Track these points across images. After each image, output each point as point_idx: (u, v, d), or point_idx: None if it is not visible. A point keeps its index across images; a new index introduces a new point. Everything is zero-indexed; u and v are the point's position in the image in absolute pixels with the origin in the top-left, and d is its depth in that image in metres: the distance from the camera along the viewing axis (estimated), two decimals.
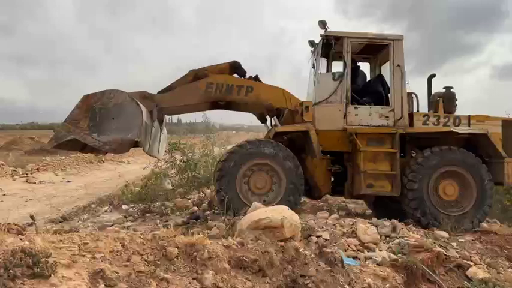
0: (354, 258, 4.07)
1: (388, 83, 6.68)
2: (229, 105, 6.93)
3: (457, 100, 6.94)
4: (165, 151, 8.98)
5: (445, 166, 6.10)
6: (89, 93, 5.88)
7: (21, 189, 14.48)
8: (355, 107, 6.40)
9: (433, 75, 7.28)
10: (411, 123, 6.47)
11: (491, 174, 6.15)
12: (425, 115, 6.58)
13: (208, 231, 4.87)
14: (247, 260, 2.97)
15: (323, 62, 7.06)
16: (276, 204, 5.46)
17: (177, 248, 2.78)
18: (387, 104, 6.52)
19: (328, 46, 6.40)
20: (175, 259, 2.69)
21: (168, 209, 8.18)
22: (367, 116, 6.39)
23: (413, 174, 6.00)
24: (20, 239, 2.28)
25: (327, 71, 7.12)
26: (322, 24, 6.33)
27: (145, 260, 2.55)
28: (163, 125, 7.04)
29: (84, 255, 2.27)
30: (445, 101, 6.73)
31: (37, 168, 16.29)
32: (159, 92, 6.65)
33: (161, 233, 2.90)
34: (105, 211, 8.93)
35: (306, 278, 3.10)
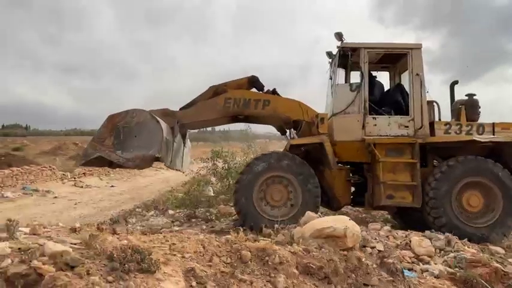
0: (410, 270, 4.10)
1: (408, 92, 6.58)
2: (248, 119, 7.15)
3: (480, 107, 6.73)
4: (192, 161, 9.26)
5: (470, 176, 5.93)
6: (113, 113, 6.30)
7: (70, 193, 15.27)
8: (373, 117, 6.36)
9: (456, 82, 7.11)
10: (432, 133, 6.33)
11: None
12: (446, 123, 6.44)
13: (271, 238, 5.04)
14: (314, 266, 3.10)
15: (341, 73, 7.05)
16: (293, 215, 5.72)
17: (250, 251, 2.97)
18: (407, 113, 6.42)
19: (345, 57, 6.41)
20: (249, 262, 2.87)
21: (213, 215, 8.41)
22: (386, 126, 6.33)
23: (436, 183, 5.87)
24: (117, 238, 2.53)
25: (345, 81, 7.07)
26: (339, 36, 6.35)
27: (224, 262, 2.75)
28: (186, 139, 7.33)
29: (175, 254, 2.49)
30: (468, 108, 6.56)
31: (83, 173, 17.17)
32: (181, 108, 6.95)
33: (233, 237, 3.09)
34: (152, 215, 9.30)
35: (369, 287, 3.20)
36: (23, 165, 17.00)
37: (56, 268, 1.96)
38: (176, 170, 7.48)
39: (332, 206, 6.72)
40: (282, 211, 6.01)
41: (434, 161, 6.48)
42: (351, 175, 6.66)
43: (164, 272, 2.18)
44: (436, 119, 6.71)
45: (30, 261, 2.03)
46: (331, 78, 6.95)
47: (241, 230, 3.67)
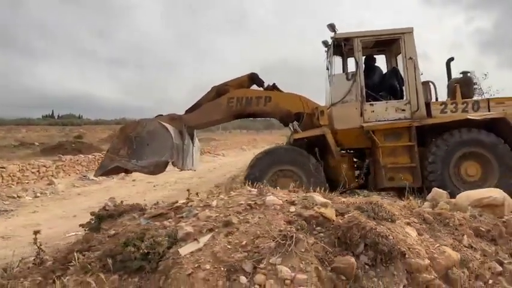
0: None
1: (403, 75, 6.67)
2: (252, 115, 7.36)
3: (475, 84, 6.90)
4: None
5: (465, 147, 6.08)
6: (124, 124, 6.81)
7: (145, 176, 16.15)
8: (371, 104, 6.51)
9: (452, 59, 7.10)
10: (429, 113, 6.45)
11: None
12: (442, 103, 6.54)
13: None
14: (483, 229, 3.43)
15: (337, 63, 7.17)
16: None
17: (429, 215, 3.34)
18: (402, 97, 6.55)
19: (340, 47, 6.57)
20: (433, 223, 3.24)
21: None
22: (384, 111, 6.46)
23: (433, 157, 6.07)
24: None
25: (343, 69, 7.21)
26: (331, 27, 6.48)
27: (414, 221, 3.15)
28: (194, 138, 7.66)
29: None
30: (462, 86, 6.62)
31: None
32: (186, 111, 7.29)
33: (408, 203, 3.47)
34: None
35: None
36: (90, 151, 18.18)
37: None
38: (189, 169, 7.79)
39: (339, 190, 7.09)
40: None
41: (434, 139, 6.60)
42: (354, 160, 6.94)
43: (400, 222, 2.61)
44: (434, 99, 6.81)
45: (312, 207, 2.54)
46: (327, 69, 7.09)
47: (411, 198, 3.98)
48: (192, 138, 7.50)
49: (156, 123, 6.55)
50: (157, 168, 6.69)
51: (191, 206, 3.11)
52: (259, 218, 2.65)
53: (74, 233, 8.70)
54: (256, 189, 3.20)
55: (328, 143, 6.43)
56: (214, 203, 3.00)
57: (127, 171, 7.15)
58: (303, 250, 2.24)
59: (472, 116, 6.19)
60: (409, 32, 6.56)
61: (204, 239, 2.52)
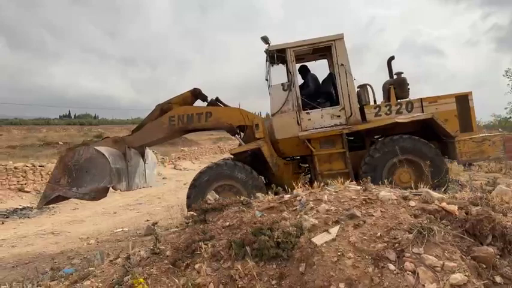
0: None
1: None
2: (196, 130, 7.44)
3: (408, 85, 6.80)
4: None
5: (397, 155, 6.05)
6: (62, 154, 6.89)
7: (173, 174, 16.51)
8: (307, 113, 6.58)
9: (392, 58, 7.05)
10: (364, 117, 6.50)
11: (450, 152, 6.22)
12: (376, 107, 6.56)
13: None
14: None
15: (274, 73, 7.13)
16: None
17: None
18: (338, 103, 6.58)
19: (274, 59, 6.63)
20: None
21: None
22: (320, 119, 6.53)
23: (366, 167, 6.15)
24: None
25: (288, 78, 7.16)
26: (264, 40, 6.57)
27: None
28: (146, 156, 7.77)
29: None
30: (397, 87, 6.66)
31: (178, 157, 18.46)
32: (133, 131, 7.46)
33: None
34: None
35: None
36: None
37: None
38: (140, 188, 7.89)
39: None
40: None
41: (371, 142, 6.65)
42: (302, 165, 7.07)
43: None
44: (372, 101, 6.85)
45: (433, 202, 2.71)
46: (267, 80, 7.09)
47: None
48: (143, 156, 7.64)
49: (92, 150, 6.66)
50: (98, 194, 6.85)
51: (300, 200, 3.28)
52: (382, 211, 2.81)
53: (120, 229, 8.99)
54: (360, 186, 3.37)
55: (264, 156, 6.55)
56: (325, 198, 3.17)
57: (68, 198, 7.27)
58: (442, 241, 2.41)
59: (401, 119, 6.22)
60: (340, 38, 6.57)
61: (334, 230, 2.69)
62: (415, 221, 2.60)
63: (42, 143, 24.79)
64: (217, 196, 3.87)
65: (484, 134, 6.36)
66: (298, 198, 3.33)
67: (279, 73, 7.14)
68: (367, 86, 6.95)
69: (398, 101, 6.56)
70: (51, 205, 12.81)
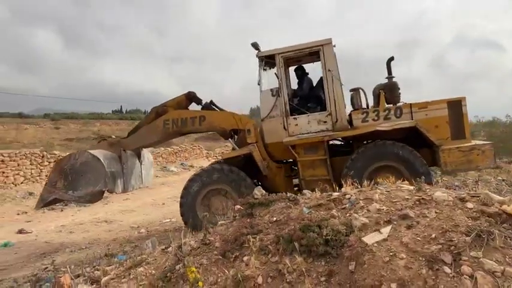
0: None
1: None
2: (190, 133, 7.55)
3: (399, 89, 6.55)
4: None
5: (378, 161, 5.97)
6: (59, 158, 7.12)
7: None
8: (294, 118, 6.57)
9: (392, 59, 6.73)
10: (351, 123, 6.40)
11: (437, 160, 6.01)
12: (364, 112, 6.40)
13: None
14: None
15: (266, 78, 7.03)
16: None
17: None
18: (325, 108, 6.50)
19: (266, 64, 6.73)
20: None
21: None
22: (307, 124, 6.50)
23: (347, 172, 5.99)
24: None
25: (286, 79, 7.31)
26: (255, 46, 6.63)
27: None
28: (142, 157, 7.83)
29: None
30: (387, 92, 6.47)
31: (222, 152, 18.83)
32: (129, 133, 7.56)
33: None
34: None
35: None
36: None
37: None
38: (137, 189, 8.06)
39: None
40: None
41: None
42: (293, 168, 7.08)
43: None
44: (364, 105, 6.76)
45: (493, 204, 2.59)
46: (259, 84, 7.02)
47: None
48: (139, 157, 7.73)
49: (88, 155, 6.79)
50: (94, 197, 7.07)
51: (349, 198, 3.24)
52: (436, 212, 2.72)
53: (168, 220, 9.35)
54: (414, 186, 3.27)
55: (256, 160, 6.60)
56: (376, 197, 3.11)
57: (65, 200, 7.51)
58: (503, 245, 2.29)
59: (382, 127, 6.07)
60: (328, 43, 6.45)
61: (386, 230, 2.64)
62: (473, 223, 2.49)
63: (97, 136, 26.24)
64: (264, 191, 3.90)
65: (473, 143, 6.06)
66: (347, 196, 3.29)
67: (274, 78, 7.10)
68: (360, 90, 6.87)
69: (387, 106, 6.40)
70: (104, 195, 13.55)
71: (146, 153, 8.20)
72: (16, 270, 6.23)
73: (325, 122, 6.45)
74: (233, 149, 7.14)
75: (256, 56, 6.74)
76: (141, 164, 7.83)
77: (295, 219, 3.15)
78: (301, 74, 7.27)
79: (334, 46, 6.79)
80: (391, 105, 6.45)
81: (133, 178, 7.55)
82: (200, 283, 2.71)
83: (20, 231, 9.23)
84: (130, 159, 7.42)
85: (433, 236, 2.48)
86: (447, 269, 2.23)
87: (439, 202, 2.86)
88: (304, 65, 7.39)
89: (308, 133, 6.51)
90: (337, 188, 4.82)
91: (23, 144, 18.62)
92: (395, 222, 2.72)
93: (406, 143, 6.04)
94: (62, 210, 11.58)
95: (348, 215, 2.98)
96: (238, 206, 3.86)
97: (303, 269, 2.59)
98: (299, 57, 7.05)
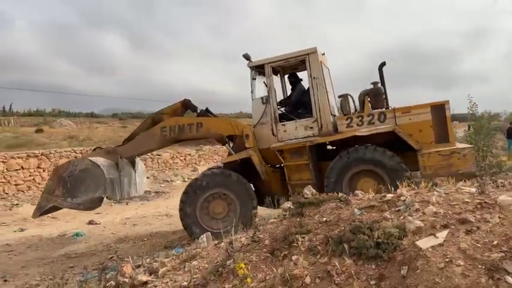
0: None
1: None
2: (187, 140, 7.65)
3: (384, 95, 6.52)
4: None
5: (356, 166, 6.12)
6: (57, 166, 7.12)
7: None
8: (283, 124, 6.86)
9: (383, 64, 6.83)
10: (336, 129, 6.55)
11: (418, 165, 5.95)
12: (348, 118, 6.53)
13: None
14: None
15: (258, 86, 7.18)
16: (235, 219, 5.97)
17: None
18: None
19: (257, 73, 6.98)
20: None
21: None
22: (294, 130, 6.76)
23: (328, 177, 6.23)
24: None
25: (282, 86, 7.85)
26: (246, 57, 6.90)
27: None
28: (136, 164, 7.77)
29: None
30: (372, 97, 6.57)
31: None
32: (124, 141, 7.62)
33: None
34: None
35: None
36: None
37: None
38: (131, 197, 8.14)
39: (274, 204, 6.66)
40: (227, 221, 6.38)
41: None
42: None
43: None
44: (352, 111, 6.97)
45: None
46: (251, 93, 7.19)
47: None
48: (133, 165, 7.66)
49: (87, 162, 6.79)
50: (93, 204, 7.07)
51: (404, 200, 3.12)
52: (500, 218, 2.52)
53: None
54: (475, 188, 3.06)
55: (254, 164, 6.74)
56: (433, 199, 2.95)
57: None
58: None
59: (360, 132, 6.22)
60: (313, 52, 6.66)
61: (443, 235, 2.50)
62: None
63: None
64: (313, 191, 3.87)
65: (454, 147, 6.03)
66: (401, 198, 3.17)
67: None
68: (348, 96, 7.07)
69: (371, 111, 6.48)
70: (166, 190, 14.20)
71: (139, 162, 8.28)
72: (86, 259, 6.79)
73: (311, 127, 6.72)
74: (229, 154, 7.34)
75: (248, 66, 7.02)
76: (135, 172, 7.85)
77: (346, 220, 3.09)
78: (294, 81, 7.50)
79: (323, 54, 7.18)
80: (375, 110, 6.56)
81: (129, 186, 7.61)
82: (249, 279, 2.77)
83: (90, 222, 10.04)
84: (126, 167, 7.50)
85: (495, 242, 2.31)
86: (510, 279, 2.07)
87: (503, 206, 2.64)
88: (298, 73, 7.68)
89: (296, 138, 6.76)
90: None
91: (94, 142, 20.14)
92: (452, 227, 2.56)
93: (392, 148, 6.10)
94: (127, 204, 12.39)
95: (401, 217, 2.86)
96: (289, 205, 3.87)
97: (352, 272, 2.54)
98: (290, 66, 7.36)
